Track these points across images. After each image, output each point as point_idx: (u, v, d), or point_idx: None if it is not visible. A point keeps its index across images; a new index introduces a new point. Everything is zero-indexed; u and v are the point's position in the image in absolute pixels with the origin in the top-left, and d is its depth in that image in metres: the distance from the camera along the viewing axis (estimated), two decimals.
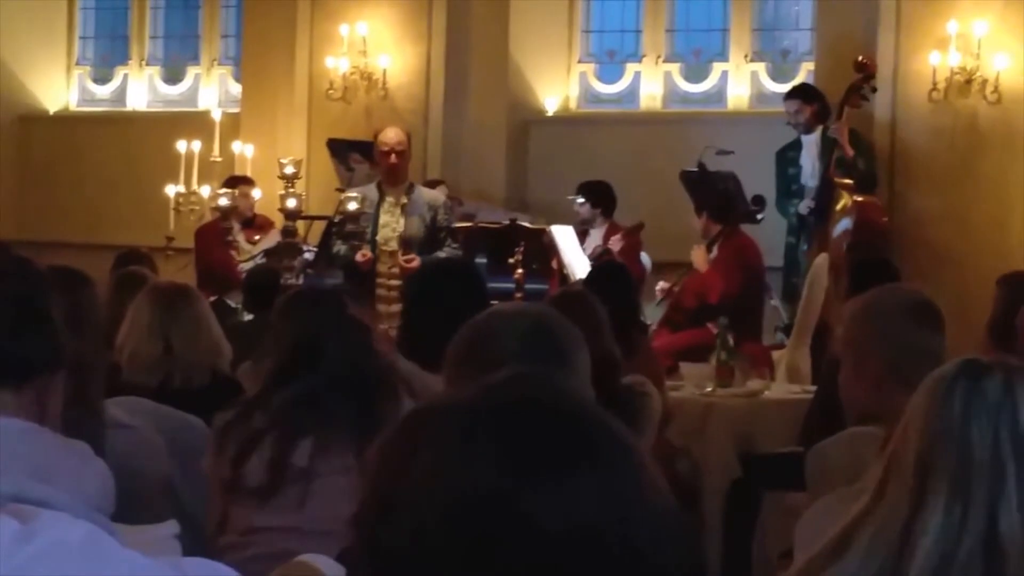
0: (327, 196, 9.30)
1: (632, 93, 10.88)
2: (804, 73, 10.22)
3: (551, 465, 1.05)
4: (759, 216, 8.86)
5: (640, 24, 10.86)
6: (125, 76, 12.25)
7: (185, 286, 4.46)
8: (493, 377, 1.11)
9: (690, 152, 9.12)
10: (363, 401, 3.13)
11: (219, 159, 9.51)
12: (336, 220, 7.76)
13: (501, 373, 1.12)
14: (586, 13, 10.95)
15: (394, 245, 7.54)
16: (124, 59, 12.25)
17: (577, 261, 8.34)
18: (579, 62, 10.93)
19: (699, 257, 7.98)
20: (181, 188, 9.42)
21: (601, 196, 8.76)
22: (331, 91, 10.40)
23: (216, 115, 9.92)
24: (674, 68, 10.80)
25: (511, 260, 7.87)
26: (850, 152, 8.67)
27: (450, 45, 10.36)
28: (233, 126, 10.42)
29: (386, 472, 1.08)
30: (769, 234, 8.80)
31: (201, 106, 11.66)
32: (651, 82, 10.80)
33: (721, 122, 10.23)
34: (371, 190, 7.70)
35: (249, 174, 9.59)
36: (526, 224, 8.73)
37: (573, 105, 10.90)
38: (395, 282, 7.36)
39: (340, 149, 9.69)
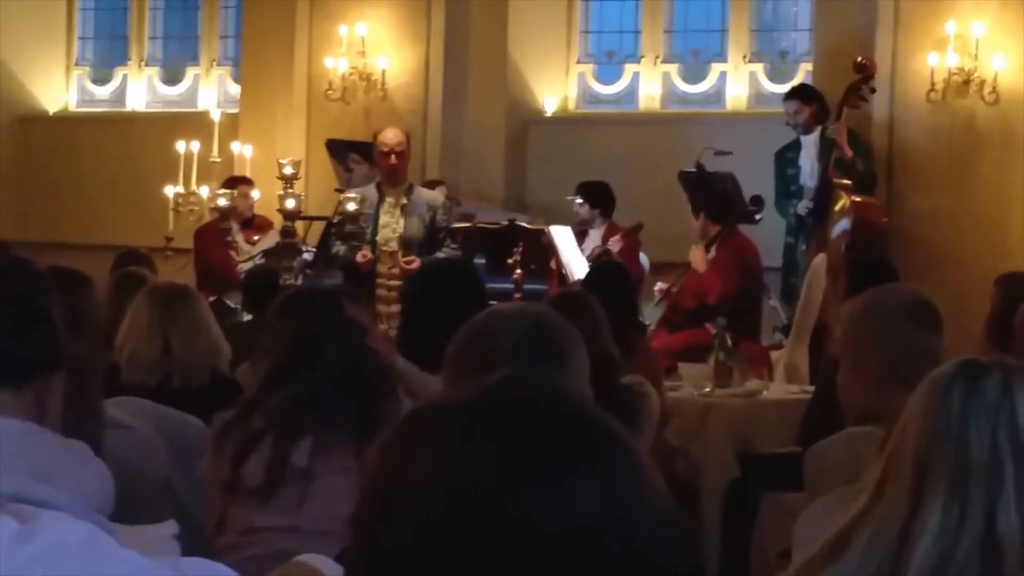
0: (326, 197, 9.30)
1: (631, 94, 10.89)
2: (802, 74, 10.23)
3: (550, 465, 1.05)
4: (757, 216, 8.87)
5: (639, 25, 10.87)
6: (124, 77, 12.25)
7: (184, 286, 4.46)
8: (492, 377, 1.11)
9: (689, 153, 9.12)
10: (362, 401, 3.13)
11: (218, 159, 9.51)
12: (335, 221, 7.76)
13: (500, 373, 1.12)
14: (585, 14, 10.95)
15: (394, 246, 7.54)
16: (123, 60, 12.25)
17: (575, 261, 8.34)
18: (578, 62, 10.93)
19: (697, 257, 7.98)
20: (180, 188, 9.42)
21: (600, 196, 8.76)
22: (330, 92, 10.40)
23: (215, 115, 9.92)
24: (672, 69, 10.80)
25: (510, 260, 7.87)
26: (849, 152, 8.68)
27: (449, 46, 10.36)
28: (232, 126, 10.42)
29: (385, 472, 1.08)
30: (768, 234, 8.80)
31: (200, 107, 11.66)
32: (650, 83, 10.81)
33: (719, 123, 10.24)
34: (370, 191, 7.70)
35: (248, 174, 9.59)
36: (525, 224, 8.73)
37: (572, 105, 10.90)
38: (395, 282, 7.36)
39: (339, 150, 9.69)
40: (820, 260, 8.11)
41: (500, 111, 10.50)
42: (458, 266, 5.60)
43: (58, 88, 12.28)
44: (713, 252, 7.98)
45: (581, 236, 8.68)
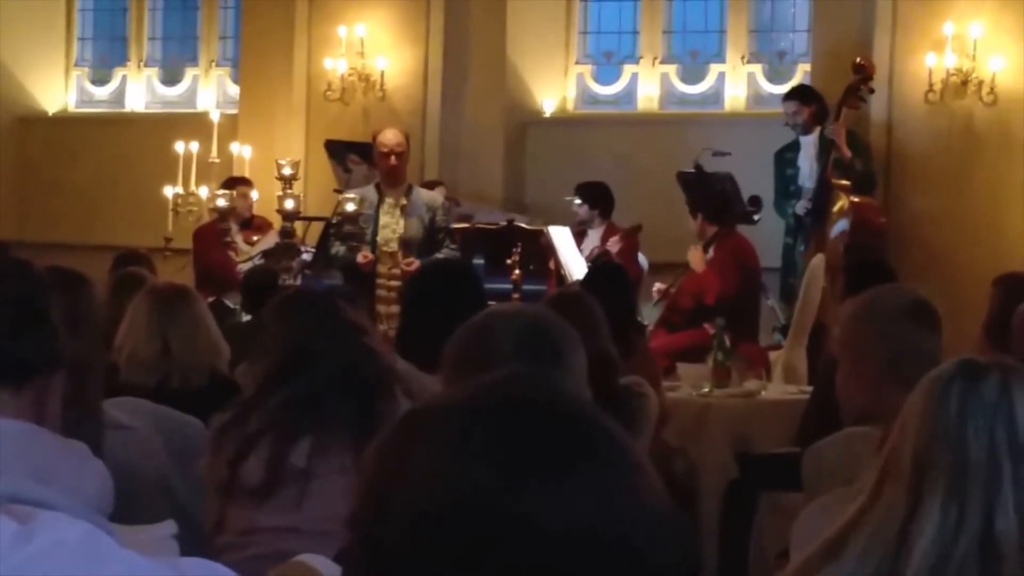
0: (325, 197, 9.30)
1: (629, 94, 10.89)
2: (801, 74, 10.23)
3: (547, 465, 1.05)
4: (756, 217, 8.87)
5: (637, 26, 10.87)
6: (124, 77, 12.25)
7: (183, 287, 4.46)
8: (489, 377, 1.11)
9: (687, 153, 9.12)
10: (361, 401, 3.14)
11: (217, 160, 9.52)
12: (334, 221, 7.76)
13: (497, 373, 1.12)
14: (583, 15, 10.95)
15: (394, 246, 7.54)
16: (123, 60, 12.25)
17: (574, 262, 8.34)
18: (576, 63, 10.93)
19: (696, 258, 7.99)
20: (179, 189, 9.42)
21: (599, 197, 8.77)
22: (329, 92, 10.41)
23: (214, 116, 9.92)
24: (671, 69, 10.81)
25: (508, 261, 7.87)
26: (847, 153, 8.68)
27: (448, 46, 10.36)
28: (231, 127, 10.42)
29: (382, 472, 1.08)
30: (767, 235, 8.81)
31: (199, 107, 11.66)
32: (648, 83, 10.81)
33: (718, 123, 10.24)
34: (370, 191, 7.70)
35: (247, 175, 9.59)
36: (523, 225, 8.73)
37: (570, 106, 10.91)
38: (395, 283, 7.36)
39: (338, 150, 9.69)
40: (818, 260, 8.12)
41: (499, 112, 10.50)
42: (457, 266, 5.61)
43: (57, 89, 12.28)
44: (711, 253, 7.98)
45: (580, 236, 8.69)
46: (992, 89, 9.01)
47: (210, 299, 7.01)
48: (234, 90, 11.51)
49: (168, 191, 9.45)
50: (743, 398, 6.34)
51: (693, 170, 8.90)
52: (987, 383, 1.90)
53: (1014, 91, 9.01)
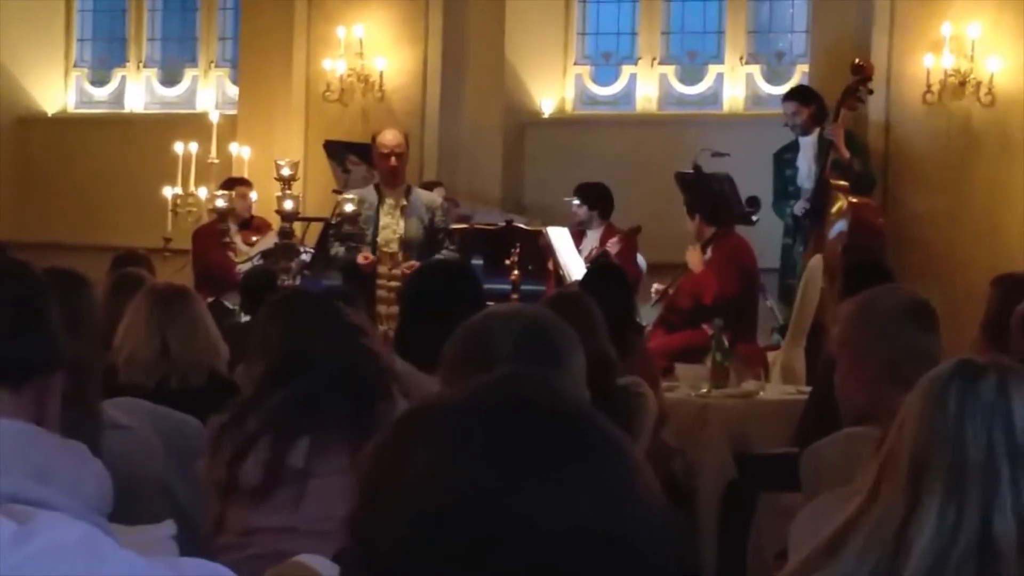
0: (324, 198, 9.30)
1: (628, 95, 10.89)
2: (799, 75, 10.24)
3: (544, 465, 1.05)
4: (754, 218, 8.87)
5: (635, 26, 10.87)
6: (123, 78, 12.25)
7: (182, 287, 4.46)
8: (487, 377, 1.11)
9: (685, 154, 9.13)
10: (359, 402, 3.14)
11: (216, 161, 9.52)
12: (333, 222, 7.76)
13: (495, 373, 1.12)
14: (582, 15, 10.96)
15: (395, 247, 7.54)
16: (122, 61, 12.25)
17: (573, 262, 8.35)
18: (575, 64, 10.94)
19: (694, 258, 7.99)
20: (178, 190, 9.42)
21: (598, 198, 8.77)
22: (328, 93, 10.41)
23: (213, 117, 9.92)
24: (669, 70, 10.81)
25: (507, 261, 7.88)
26: (846, 154, 8.68)
27: (446, 47, 10.37)
28: (230, 128, 10.42)
29: (380, 472, 1.08)
30: (765, 235, 8.81)
31: (198, 108, 11.66)
32: (646, 84, 10.81)
33: (716, 124, 10.24)
34: (369, 192, 7.70)
35: (246, 176, 9.59)
36: (522, 226, 8.74)
37: (569, 107, 10.91)
38: (395, 284, 7.36)
39: (337, 151, 9.69)
40: (816, 261, 8.12)
41: (497, 112, 10.50)
42: (455, 267, 5.61)
43: (57, 89, 12.28)
44: (709, 253, 7.99)
45: (579, 237, 8.69)
46: (990, 90, 9.02)
47: (209, 299, 7.01)
48: (233, 91, 11.51)
49: (167, 192, 9.45)
50: (741, 398, 6.34)
51: (691, 171, 8.90)
52: (985, 383, 1.90)
53: (1012, 92, 9.01)
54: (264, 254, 8.39)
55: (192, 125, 10.36)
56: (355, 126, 10.12)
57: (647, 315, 7.93)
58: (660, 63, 10.80)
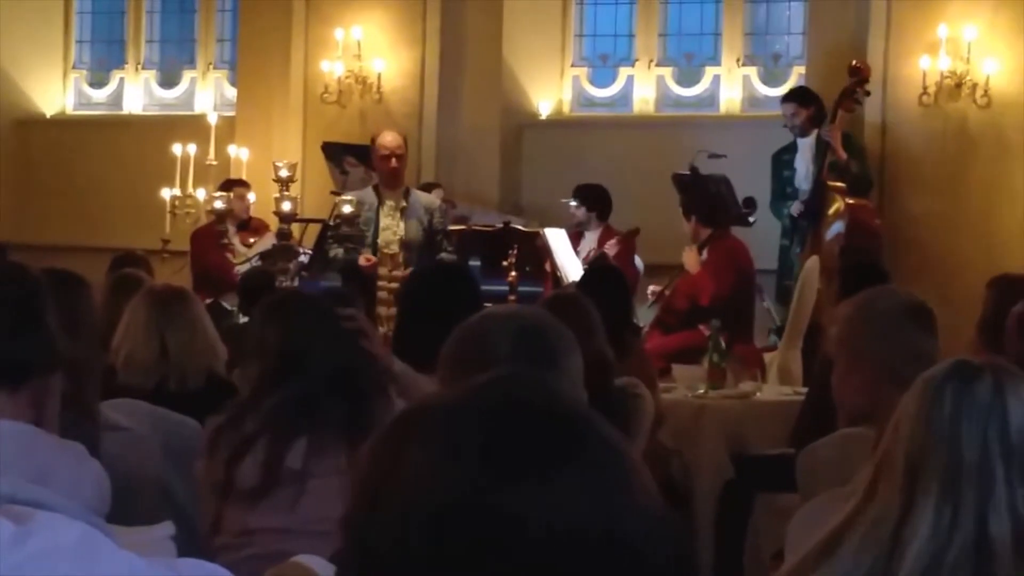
0: (322, 199, 9.30)
1: (625, 97, 10.89)
2: (796, 77, 10.24)
3: (539, 465, 1.05)
4: (751, 219, 8.88)
5: (633, 28, 10.87)
6: (121, 80, 12.25)
7: (180, 289, 4.47)
8: (483, 377, 1.11)
9: (682, 155, 9.13)
10: (356, 402, 3.14)
11: (215, 162, 9.52)
12: (331, 223, 7.76)
13: (491, 373, 1.12)
14: (579, 17, 10.96)
15: (395, 248, 7.54)
16: (120, 63, 12.25)
17: (570, 264, 8.35)
18: (572, 66, 10.94)
19: (690, 259, 7.99)
20: (177, 191, 9.42)
21: (596, 199, 8.77)
22: (326, 95, 10.41)
23: (212, 118, 9.92)
24: (666, 72, 10.81)
25: (505, 263, 7.87)
26: (843, 155, 8.68)
27: (444, 49, 10.37)
28: (228, 129, 10.43)
29: (374, 473, 1.08)
30: (762, 237, 8.81)
31: (197, 110, 11.66)
32: (644, 86, 10.82)
33: (713, 126, 10.24)
34: (368, 194, 7.70)
35: (244, 177, 9.60)
36: (520, 227, 8.74)
37: (566, 109, 10.91)
38: (395, 285, 7.36)
39: (335, 152, 9.69)
40: (813, 262, 8.12)
41: (495, 114, 10.51)
42: (453, 268, 5.62)
43: (55, 91, 12.28)
44: (705, 254, 7.99)
45: (577, 238, 8.69)
46: (986, 92, 9.02)
47: (207, 301, 7.01)
48: (231, 92, 11.51)
49: (166, 193, 9.45)
50: (738, 399, 6.34)
51: (688, 172, 8.91)
52: (981, 385, 1.91)
53: (1008, 94, 9.02)
54: (262, 255, 8.39)
55: (190, 127, 10.36)
56: (353, 128, 10.12)
57: (644, 316, 7.93)
58: (657, 65, 10.81)
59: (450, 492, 1.04)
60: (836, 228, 8.59)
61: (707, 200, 8.40)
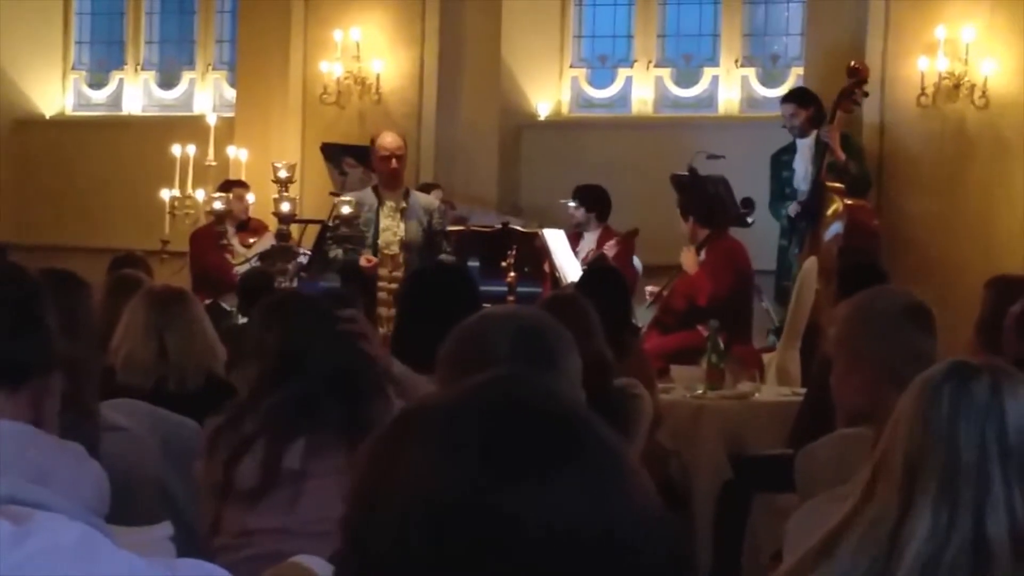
0: (321, 200, 9.31)
1: (623, 98, 10.90)
2: (794, 78, 10.24)
3: (536, 466, 1.05)
4: (749, 219, 8.88)
5: (631, 29, 10.87)
6: (121, 81, 12.25)
7: (180, 289, 4.47)
8: (481, 378, 1.11)
9: (681, 156, 9.13)
10: (355, 403, 3.15)
11: (214, 163, 9.52)
12: (331, 224, 7.77)
13: (489, 373, 1.12)
14: (578, 18, 10.96)
15: (395, 249, 7.54)
16: (120, 64, 12.25)
17: (569, 264, 8.35)
18: (571, 67, 10.94)
19: (689, 260, 8.00)
20: (176, 192, 9.43)
21: (595, 200, 8.77)
22: (325, 96, 10.41)
23: (211, 119, 9.93)
24: (665, 73, 10.82)
25: (503, 263, 7.88)
26: (842, 156, 8.68)
27: (443, 50, 10.37)
28: (228, 130, 10.43)
29: (372, 473, 1.08)
30: (761, 237, 8.81)
31: (196, 111, 11.66)
32: (642, 87, 10.82)
33: (712, 127, 10.24)
34: (368, 195, 7.70)
35: (243, 178, 9.60)
36: (518, 228, 8.74)
37: (565, 110, 10.91)
38: (396, 286, 7.36)
39: (334, 153, 9.70)
40: (811, 263, 8.12)
41: (494, 115, 10.51)
42: (452, 269, 5.62)
43: (55, 92, 12.28)
44: (703, 255, 8.00)
45: (576, 239, 8.70)
46: (984, 93, 9.03)
47: (206, 301, 7.01)
48: (231, 93, 11.51)
49: (165, 194, 9.46)
50: (737, 400, 6.35)
51: (687, 173, 8.91)
52: (978, 385, 1.91)
53: (1006, 95, 9.02)
54: (261, 256, 8.39)
55: (190, 127, 10.36)
56: (352, 128, 10.12)
57: (642, 317, 7.94)
58: (656, 66, 10.81)
59: (449, 492, 1.04)
60: (835, 229, 8.59)
61: (705, 201, 8.40)
